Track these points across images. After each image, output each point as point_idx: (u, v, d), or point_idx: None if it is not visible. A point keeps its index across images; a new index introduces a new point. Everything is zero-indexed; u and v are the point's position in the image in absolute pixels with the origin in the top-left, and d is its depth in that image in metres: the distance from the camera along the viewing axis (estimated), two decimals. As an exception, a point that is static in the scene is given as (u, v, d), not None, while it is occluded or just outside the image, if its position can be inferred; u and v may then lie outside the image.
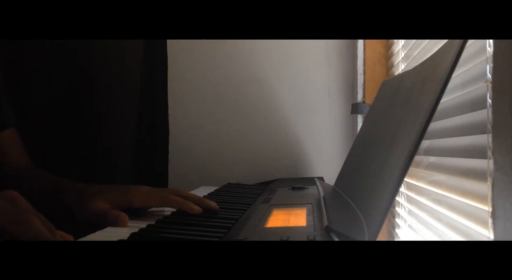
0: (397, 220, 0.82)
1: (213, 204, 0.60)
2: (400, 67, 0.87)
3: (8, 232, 0.39)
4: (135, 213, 0.58)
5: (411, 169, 0.69)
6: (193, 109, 1.12)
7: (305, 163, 1.11)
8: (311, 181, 0.87)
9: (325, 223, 0.43)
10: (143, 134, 1.03)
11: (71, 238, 0.43)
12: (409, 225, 0.73)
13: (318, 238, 0.42)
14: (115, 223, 0.53)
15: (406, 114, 0.44)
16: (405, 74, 0.60)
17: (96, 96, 0.96)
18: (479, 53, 0.45)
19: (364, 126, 0.72)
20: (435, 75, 0.40)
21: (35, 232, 0.39)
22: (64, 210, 0.58)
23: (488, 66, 0.39)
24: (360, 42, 1.03)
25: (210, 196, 0.76)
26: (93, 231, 0.48)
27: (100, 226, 0.52)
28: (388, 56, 1.01)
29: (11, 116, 0.73)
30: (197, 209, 0.57)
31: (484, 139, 0.39)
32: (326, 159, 1.11)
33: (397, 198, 0.80)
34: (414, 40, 0.76)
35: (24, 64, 0.88)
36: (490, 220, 0.37)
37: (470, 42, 0.45)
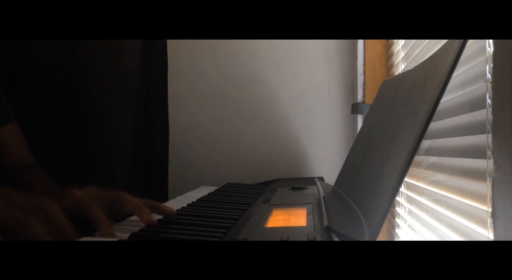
0: (397, 220, 0.82)
1: (169, 208, 0.56)
2: (400, 67, 0.87)
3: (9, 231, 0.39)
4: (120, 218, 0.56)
5: (412, 169, 0.69)
6: (193, 109, 1.12)
7: (305, 163, 1.11)
8: (311, 181, 0.87)
9: (325, 223, 0.43)
10: (143, 134, 1.03)
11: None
12: (409, 225, 0.73)
13: (318, 238, 0.42)
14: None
15: (406, 114, 0.44)
16: (405, 74, 0.60)
17: (95, 96, 0.96)
18: (479, 53, 0.45)
19: (364, 126, 0.72)
20: (435, 75, 0.40)
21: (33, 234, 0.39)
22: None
23: (488, 66, 0.39)
24: (360, 42, 1.03)
25: (210, 196, 0.76)
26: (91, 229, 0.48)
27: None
28: (388, 56, 1.01)
29: (12, 111, 0.73)
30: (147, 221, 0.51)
31: (484, 139, 0.39)
32: (326, 159, 1.11)
33: (397, 198, 0.80)
34: (414, 40, 0.76)
35: (24, 64, 0.88)
36: (489, 220, 0.37)
37: (470, 42, 0.45)
